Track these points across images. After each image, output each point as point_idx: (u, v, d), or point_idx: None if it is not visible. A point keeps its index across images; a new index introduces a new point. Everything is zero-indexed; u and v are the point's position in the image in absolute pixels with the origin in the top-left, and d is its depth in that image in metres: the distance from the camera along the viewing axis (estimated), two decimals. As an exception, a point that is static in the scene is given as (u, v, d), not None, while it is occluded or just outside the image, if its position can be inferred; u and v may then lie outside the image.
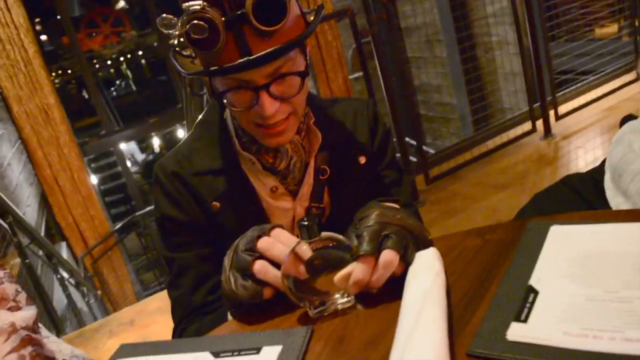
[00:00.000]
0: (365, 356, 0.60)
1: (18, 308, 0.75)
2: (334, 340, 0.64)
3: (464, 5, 6.26)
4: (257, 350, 0.64)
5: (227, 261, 0.74)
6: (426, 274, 0.65)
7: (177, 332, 0.94)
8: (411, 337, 0.55)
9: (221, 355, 0.65)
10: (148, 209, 5.83)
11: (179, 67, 0.82)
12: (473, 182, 3.21)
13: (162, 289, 6.54)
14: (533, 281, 0.63)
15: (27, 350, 0.71)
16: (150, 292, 6.17)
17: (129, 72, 12.83)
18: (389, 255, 0.66)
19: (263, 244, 0.72)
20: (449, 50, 6.69)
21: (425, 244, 0.71)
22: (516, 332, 0.56)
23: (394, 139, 3.23)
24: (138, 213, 6.05)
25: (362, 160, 0.98)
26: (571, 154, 3.11)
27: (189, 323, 0.92)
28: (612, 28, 4.65)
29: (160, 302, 2.76)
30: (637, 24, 3.59)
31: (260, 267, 0.71)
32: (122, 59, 12.07)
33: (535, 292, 0.61)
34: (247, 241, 0.73)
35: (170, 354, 0.69)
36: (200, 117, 1.02)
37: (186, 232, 0.94)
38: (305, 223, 0.67)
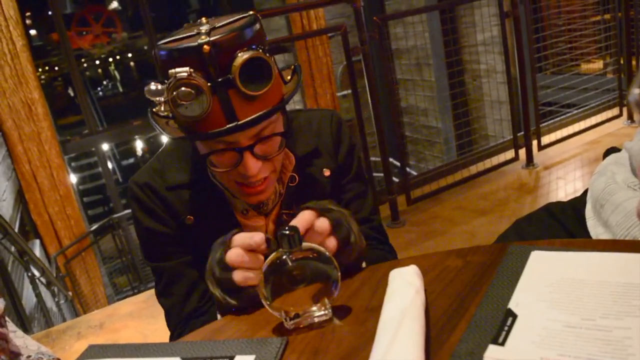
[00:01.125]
0: (340, 371, 0.59)
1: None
2: (309, 353, 0.63)
3: (455, 31, 6.36)
4: (230, 358, 0.63)
5: (210, 284, 0.77)
6: (406, 291, 0.65)
7: (174, 338, 0.95)
8: (388, 352, 0.54)
9: (192, 362, 0.64)
10: (126, 211, 5.73)
11: (160, 129, 0.82)
12: (454, 205, 3.22)
13: (134, 294, 6.43)
14: (512, 305, 0.63)
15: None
16: (123, 297, 6.05)
17: (116, 74, 12.75)
18: (325, 220, 0.76)
19: (232, 258, 0.74)
20: (437, 75, 6.77)
21: (360, 248, 0.81)
22: (493, 355, 0.56)
23: (365, 156, 3.24)
24: (116, 215, 5.96)
25: (327, 172, 0.99)
26: (552, 184, 3.14)
27: (185, 328, 0.93)
28: (598, 64, 4.76)
29: (131, 307, 2.71)
30: (622, 62, 3.68)
31: (241, 278, 0.73)
32: (110, 59, 11.99)
33: (514, 316, 0.61)
34: (217, 260, 0.76)
35: (140, 357, 0.67)
36: None
37: (169, 242, 0.95)
38: (287, 232, 0.67)
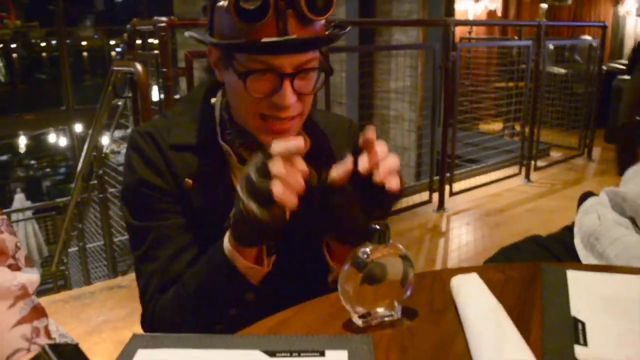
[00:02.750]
0: (439, 365, 0.60)
1: (18, 268, 0.64)
2: (396, 351, 0.64)
3: (370, 75, 6.68)
4: (321, 353, 0.61)
5: (240, 190, 0.72)
6: (484, 293, 0.68)
7: (152, 305, 0.86)
8: (502, 346, 0.57)
9: (277, 355, 0.61)
10: None
11: (210, 39, 0.80)
12: (371, 239, 3.34)
13: None
14: (574, 313, 0.69)
15: (42, 323, 0.60)
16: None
17: (0, 62, 11.63)
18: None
19: (277, 169, 0.70)
20: (348, 115, 7.04)
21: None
22: (583, 352, 0.61)
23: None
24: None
25: None
26: (461, 228, 3.39)
27: (162, 295, 0.85)
28: (498, 125, 5.29)
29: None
30: (519, 128, 4.12)
31: (280, 190, 0.69)
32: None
33: (582, 322, 0.67)
34: (257, 167, 0.71)
35: (212, 348, 0.62)
36: (184, 96, 1.00)
37: (164, 200, 0.88)
38: (378, 227, 0.67)
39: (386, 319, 0.69)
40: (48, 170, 12.74)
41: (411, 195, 3.77)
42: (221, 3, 0.77)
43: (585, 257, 1.02)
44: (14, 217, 7.12)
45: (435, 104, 3.79)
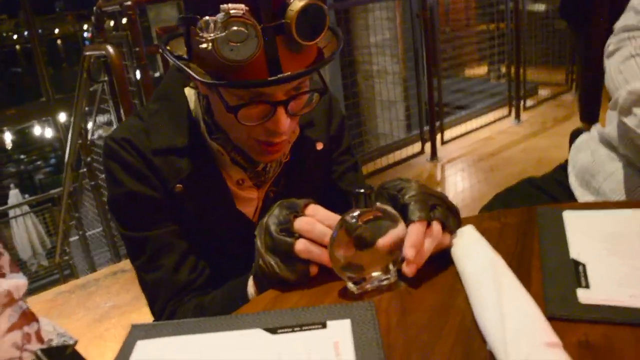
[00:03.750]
0: (442, 322, 0.59)
1: (2, 274, 0.62)
2: (397, 314, 0.63)
3: (349, 32, 6.55)
4: (322, 324, 0.60)
5: (259, 244, 0.71)
6: (482, 245, 0.67)
7: (165, 315, 0.85)
8: (502, 299, 0.56)
9: (279, 331, 0.60)
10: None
11: (192, 73, 0.73)
12: (368, 197, 3.34)
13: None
14: (574, 255, 0.68)
15: (33, 328, 0.59)
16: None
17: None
18: (439, 225, 0.69)
19: (302, 225, 0.69)
20: (331, 73, 6.95)
21: (459, 217, 0.74)
22: (586, 296, 0.60)
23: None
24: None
25: (320, 146, 0.97)
26: (456, 176, 3.39)
27: (180, 303, 0.84)
28: (483, 69, 5.22)
29: (37, 306, 2.41)
30: (511, 68, 4.07)
31: (304, 248, 0.68)
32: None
33: (583, 264, 0.66)
34: (279, 222, 0.70)
35: (212, 332, 0.61)
36: (155, 91, 0.94)
37: (156, 208, 0.85)
38: (362, 191, 0.65)
39: (383, 282, 0.68)
40: (38, 162, 12.62)
41: (403, 148, 3.75)
42: (202, 35, 0.68)
43: (581, 195, 1.01)
44: (11, 213, 7.10)
45: (417, 54, 3.73)
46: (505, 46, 4.20)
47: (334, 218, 0.69)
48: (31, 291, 6.14)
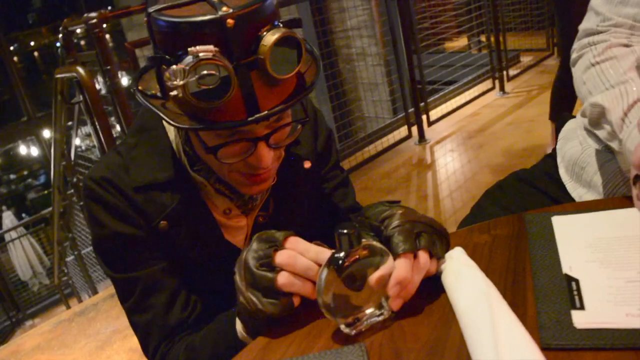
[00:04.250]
0: (436, 364, 0.57)
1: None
2: (390, 355, 0.60)
3: (326, 18, 6.46)
4: (312, 376, 0.57)
5: (239, 280, 0.68)
6: (472, 272, 0.65)
7: (158, 357, 0.83)
8: (499, 337, 0.53)
9: (267, 388, 0.57)
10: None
11: (167, 118, 0.68)
12: (359, 187, 3.31)
13: (12, 325, 5.75)
14: (566, 270, 0.66)
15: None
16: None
17: None
18: (425, 254, 0.66)
19: (284, 259, 0.66)
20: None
21: (447, 239, 0.72)
22: (581, 319, 0.57)
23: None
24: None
25: (307, 164, 0.94)
26: (447, 157, 3.37)
27: (171, 344, 0.82)
28: (462, 42, 5.16)
29: (37, 339, 2.41)
30: (492, 39, 4.02)
31: (286, 281, 0.65)
32: None
33: (576, 280, 0.64)
34: (259, 256, 0.67)
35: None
36: (133, 124, 0.90)
37: (142, 247, 0.83)
38: (345, 231, 0.62)
39: (378, 318, 0.65)
40: (29, 181, 12.51)
41: (390, 134, 3.72)
42: (172, 82, 0.64)
43: (573, 188, 0.99)
44: (7, 237, 7.06)
45: (394, 32, 3.67)
46: (483, 16, 4.15)
47: (315, 250, 0.67)
48: (36, 313, 6.12)
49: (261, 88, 0.68)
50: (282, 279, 0.65)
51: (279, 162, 0.82)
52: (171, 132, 0.85)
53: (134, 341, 2.16)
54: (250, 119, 0.67)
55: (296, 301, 0.67)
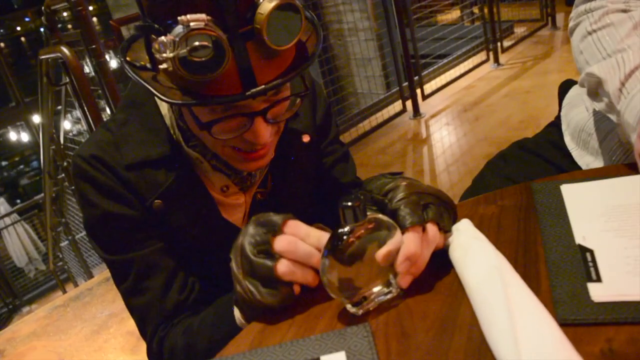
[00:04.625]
0: (447, 342, 0.54)
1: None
2: (397, 335, 0.57)
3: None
4: (315, 360, 0.54)
5: (236, 268, 0.64)
6: (482, 245, 0.61)
7: (156, 341, 0.80)
8: (514, 313, 0.50)
9: (268, 374, 0.54)
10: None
11: (159, 93, 0.64)
12: (356, 163, 3.27)
13: (9, 312, 5.73)
14: (579, 240, 0.62)
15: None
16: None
17: None
18: (434, 227, 0.63)
19: (284, 245, 0.62)
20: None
21: (454, 211, 0.68)
22: (598, 292, 0.54)
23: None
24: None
25: (306, 138, 0.90)
26: (442, 131, 3.33)
27: (169, 327, 0.79)
28: (456, 14, 5.07)
29: (32, 325, 2.38)
30: (485, 10, 3.94)
31: (287, 270, 0.61)
32: None
33: (591, 251, 0.60)
34: (256, 242, 0.63)
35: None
36: (123, 99, 0.85)
37: (136, 228, 0.79)
38: (350, 204, 0.58)
39: (386, 296, 0.62)
40: (21, 167, 12.39)
41: (385, 109, 3.67)
42: (160, 55, 0.59)
43: (579, 156, 0.95)
44: (1, 223, 7.00)
45: (386, 5, 3.60)
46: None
47: (316, 235, 0.63)
48: (33, 299, 6.10)
49: (258, 60, 0.63)
50: (282, 267, 0.61)
51: (277, 138, 0.78)
52: (164, 106, 0.81)
53: (130, 324, 2.13)
54: (247, 93, 0.63)
55: (296, 290, 0.63)
